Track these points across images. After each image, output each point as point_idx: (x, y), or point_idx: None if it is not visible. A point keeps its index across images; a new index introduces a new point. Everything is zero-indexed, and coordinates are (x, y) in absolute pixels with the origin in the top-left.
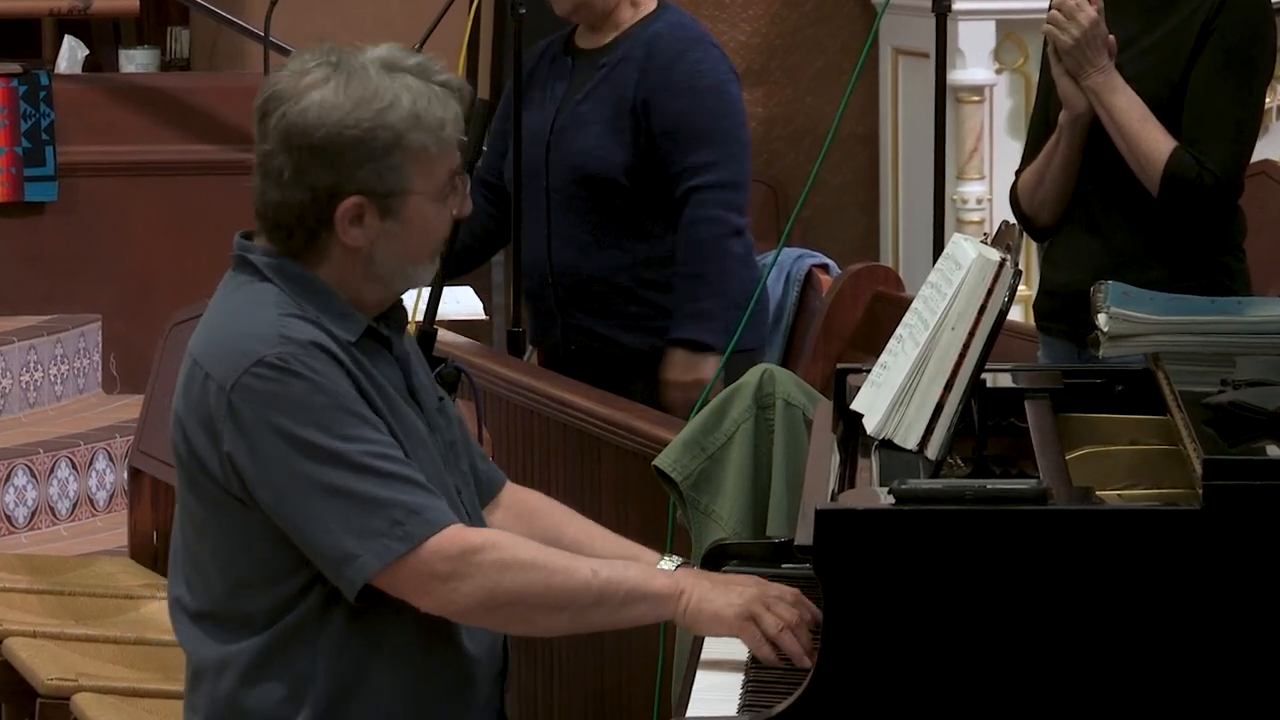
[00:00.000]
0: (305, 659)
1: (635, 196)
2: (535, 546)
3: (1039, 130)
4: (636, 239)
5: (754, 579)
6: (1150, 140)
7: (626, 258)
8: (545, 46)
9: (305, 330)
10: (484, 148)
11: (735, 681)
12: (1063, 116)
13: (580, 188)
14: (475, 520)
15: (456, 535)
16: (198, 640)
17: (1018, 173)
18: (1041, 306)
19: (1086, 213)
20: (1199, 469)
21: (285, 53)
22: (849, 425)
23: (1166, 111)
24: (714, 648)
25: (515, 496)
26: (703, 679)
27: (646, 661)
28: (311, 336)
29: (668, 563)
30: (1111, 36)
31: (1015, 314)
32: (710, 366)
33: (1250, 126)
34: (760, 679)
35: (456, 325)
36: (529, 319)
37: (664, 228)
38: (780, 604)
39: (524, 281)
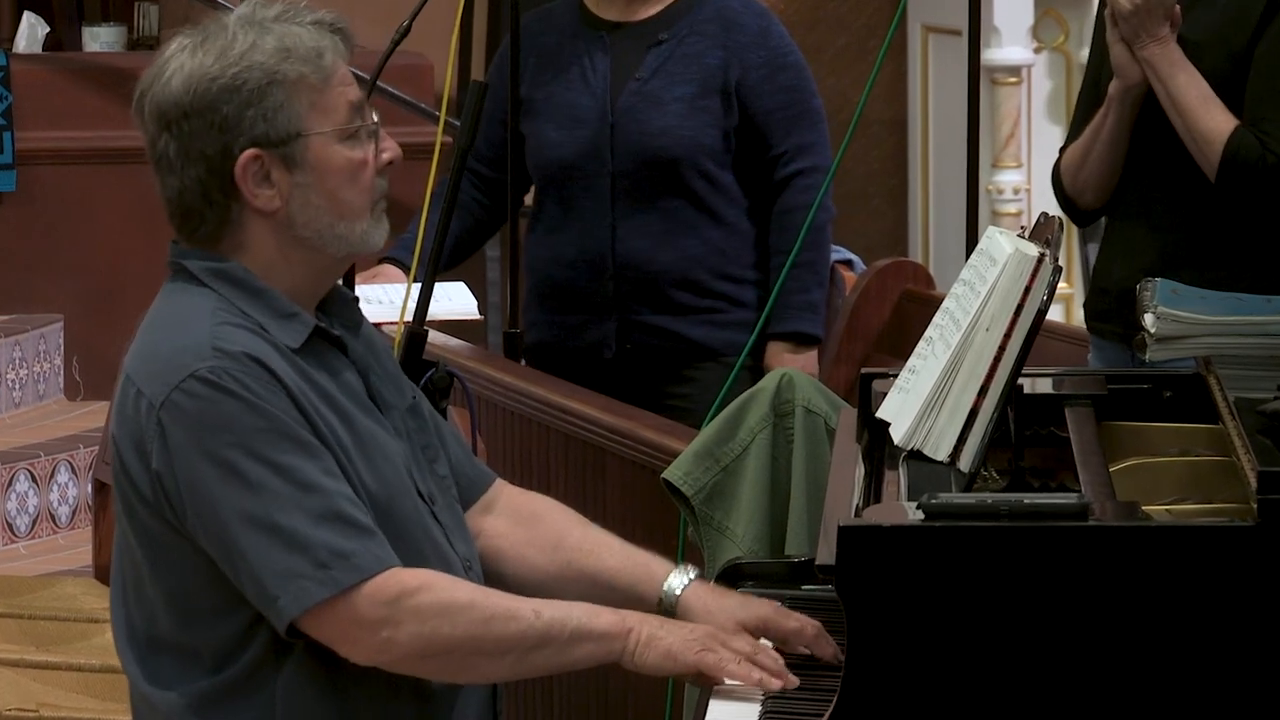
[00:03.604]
0: (262, 703)
1: (716, 181)
2: (472, 587)
3: (1088, 104)
4: (713, 226)
5: (771, 605)
6: (1210, 119)
7: (702, 247)
8: (545, 17)
9: (241, 340)
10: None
11: (752, 711)
12: (1113, 87)
13: (654, 171)
14: (453, 530)
15: (389, 579)
16: (149, 674)
17: (1062, 149)
18: (1092, 305)
19: (1141, 201)
20: (1253, 482)
21: None
22: (875, 434)
23: (1227, 85)
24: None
25: (513, 500)
26: (716, 708)
27: (655, 687)
28: (247, 348)
29: (680, 575)
30: (1176, 7)
31: (1055, 313)
32: (815, 360)
33: None
34: (778, 707)
35: (448, 325)
36: (542, 317)
37: (739, 214)
38: (735, 639)
39: (557, 275)
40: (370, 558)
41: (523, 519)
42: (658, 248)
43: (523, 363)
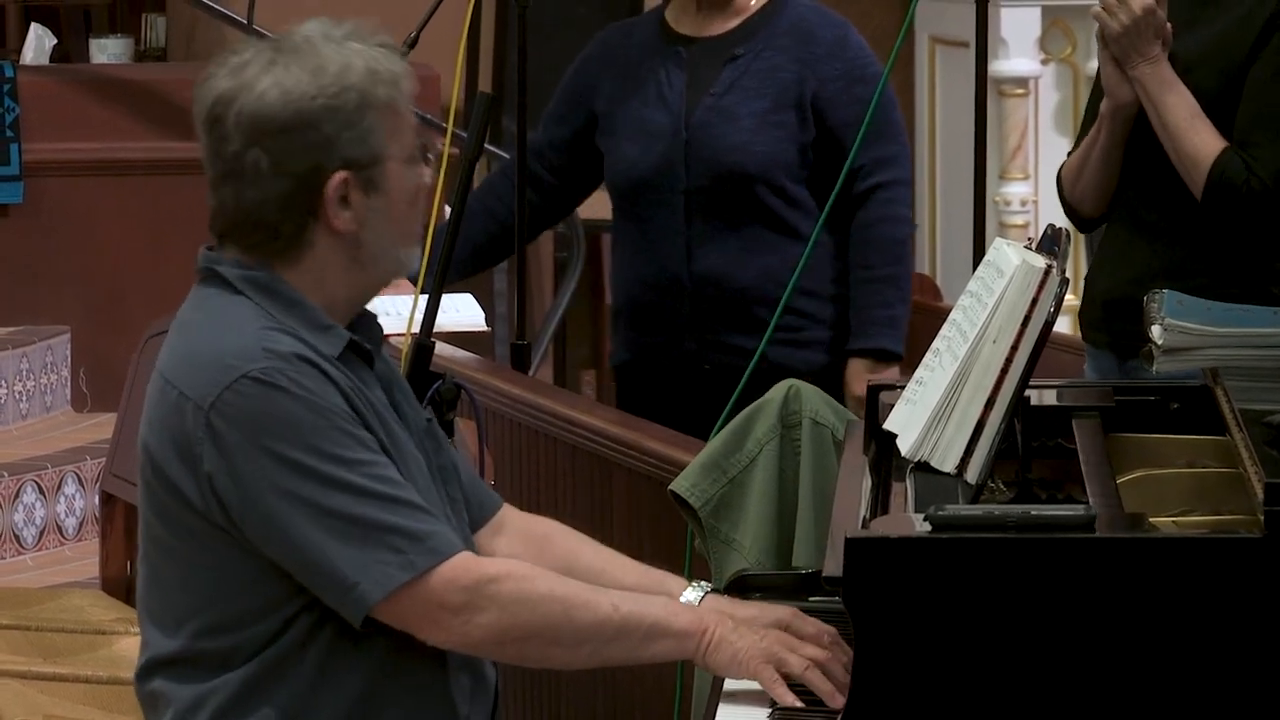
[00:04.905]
0: (286, 694)
1: (791, 196)
2: (553, 577)
3: (1093, 113)
4: (790, 242)
5: (789, 611)
6: (1198, 139)
7: (780, 263)
8: (626, 31)
9: (288, 343)
10: (476, 142)
11: (760, 717)
12: (1104, 106)
13: (728, 187)
14: (468, 546)
15: (469, 564)
16: (169, 685)
17: (1069, 154)
18: (1086, 315)
19: (1129, 212)
20: (1261, 493)
21: None
22: (882, 446)
23: (1217, 105)
24: (737, 680)
25: (523, 522)
26: (724, 714)
27: (662, 697)
28: (295, 349)
29: (695, 590)
30: (1168, 25)
31: (1062, 325)
32: (896, 377)
33: None
34: (786, 717)
35: (455, 337)
36: (628, 337)
37: (821, 230)
38: (805, 646)
39: (636, 294)
40: (444, 541)
41: (533, 541)
42: (734, 265)
43: (536, 377)
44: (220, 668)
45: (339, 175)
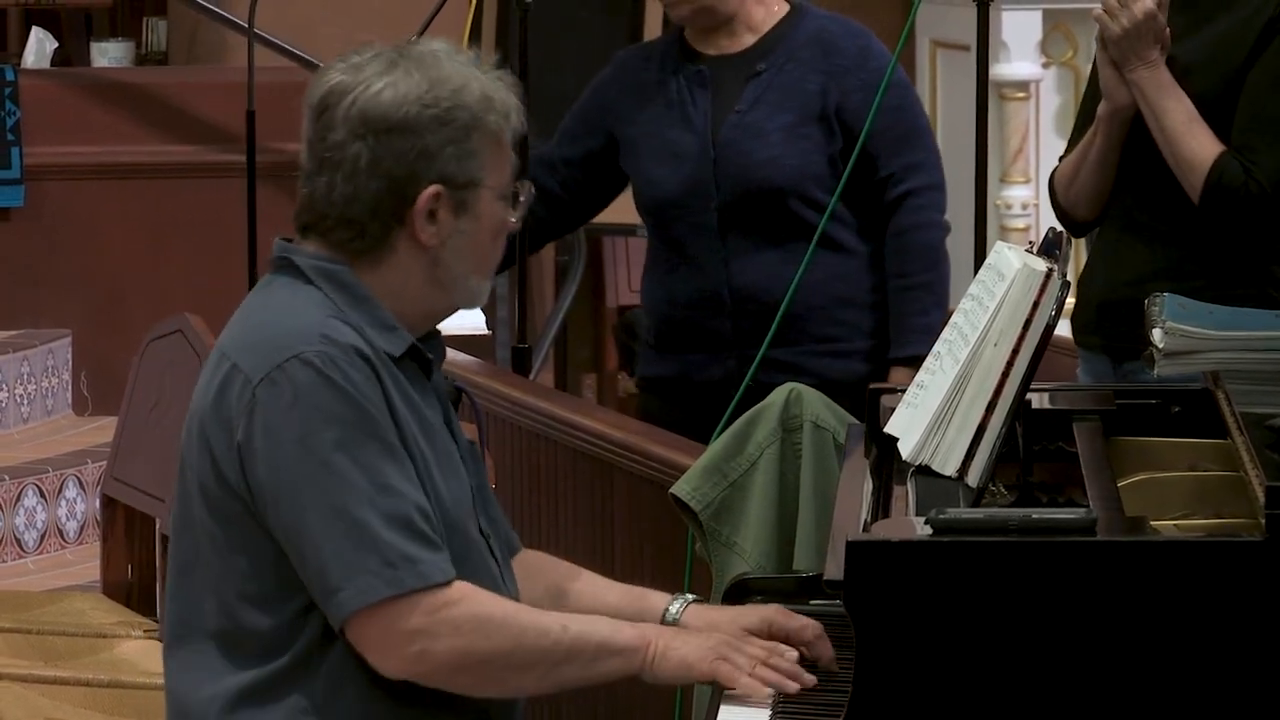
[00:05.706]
0: (309, 688)
1: (824, 207)
2: (501, 601)
3: (1086, 117)
4: (827, 252)
5: (774, 608)
6: (1195, 144)
7: (819, 272)
8: (646, 52)
9: (348, 335)
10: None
11: (761, 718)
12: (1101, 108)
13: (760, 202)
14: (505, 568)
15: (439, 593)
16: (186, 675)
17: (1061, 158)
18: (1079, 318)
19: (1124, 215)
20: (1262, 497)
21: (270, 45)
22: (883, 450)
23: (1216, 109)
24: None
25: (521, 556)
26: (726, 713)
27: (662, 698)
28: (354, 342)
29: (678, 600)
30: (1168, 30)
31: (1064, 329)
32: None
33: None
34: (788, 716)
35: (456, 341)
36: (663, 356)
37: (854, 238)
38: (748, 645)
39: (675, 315)
40: (435, 569)
41: (529, 570)
42: (773, 279)
43: (537, 381)
44: (234, 652)
45: (432, 189)
